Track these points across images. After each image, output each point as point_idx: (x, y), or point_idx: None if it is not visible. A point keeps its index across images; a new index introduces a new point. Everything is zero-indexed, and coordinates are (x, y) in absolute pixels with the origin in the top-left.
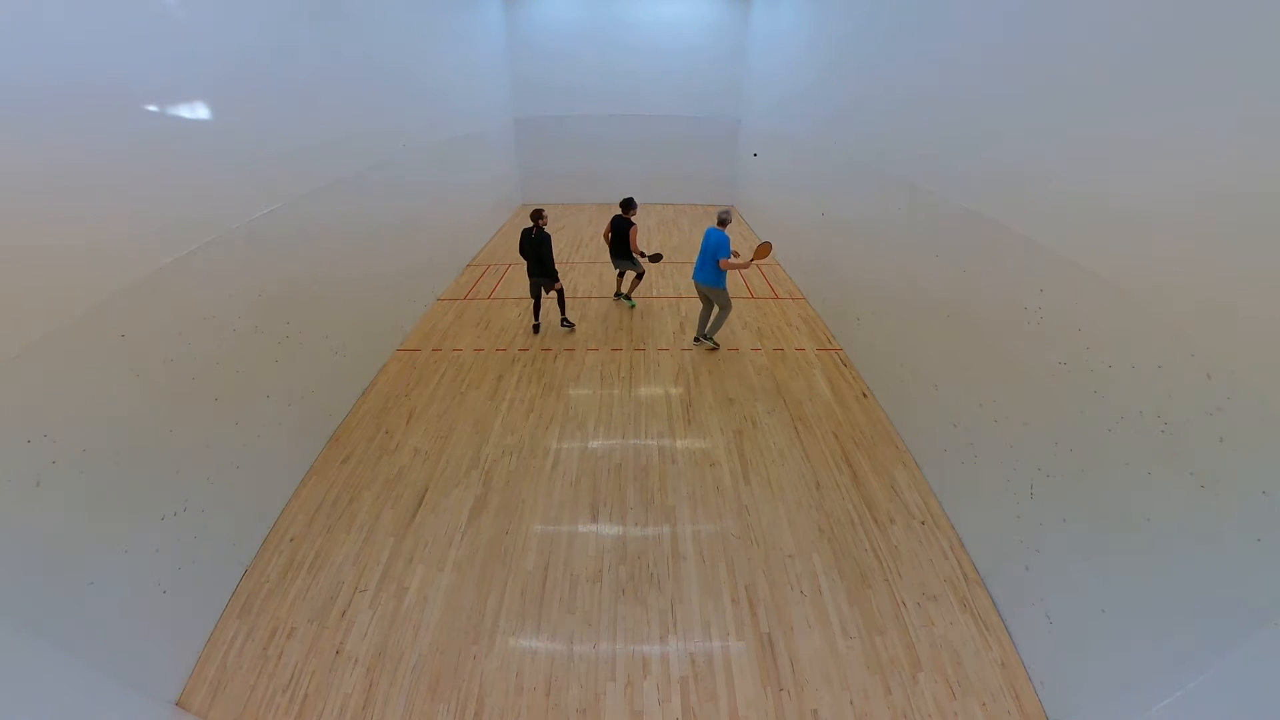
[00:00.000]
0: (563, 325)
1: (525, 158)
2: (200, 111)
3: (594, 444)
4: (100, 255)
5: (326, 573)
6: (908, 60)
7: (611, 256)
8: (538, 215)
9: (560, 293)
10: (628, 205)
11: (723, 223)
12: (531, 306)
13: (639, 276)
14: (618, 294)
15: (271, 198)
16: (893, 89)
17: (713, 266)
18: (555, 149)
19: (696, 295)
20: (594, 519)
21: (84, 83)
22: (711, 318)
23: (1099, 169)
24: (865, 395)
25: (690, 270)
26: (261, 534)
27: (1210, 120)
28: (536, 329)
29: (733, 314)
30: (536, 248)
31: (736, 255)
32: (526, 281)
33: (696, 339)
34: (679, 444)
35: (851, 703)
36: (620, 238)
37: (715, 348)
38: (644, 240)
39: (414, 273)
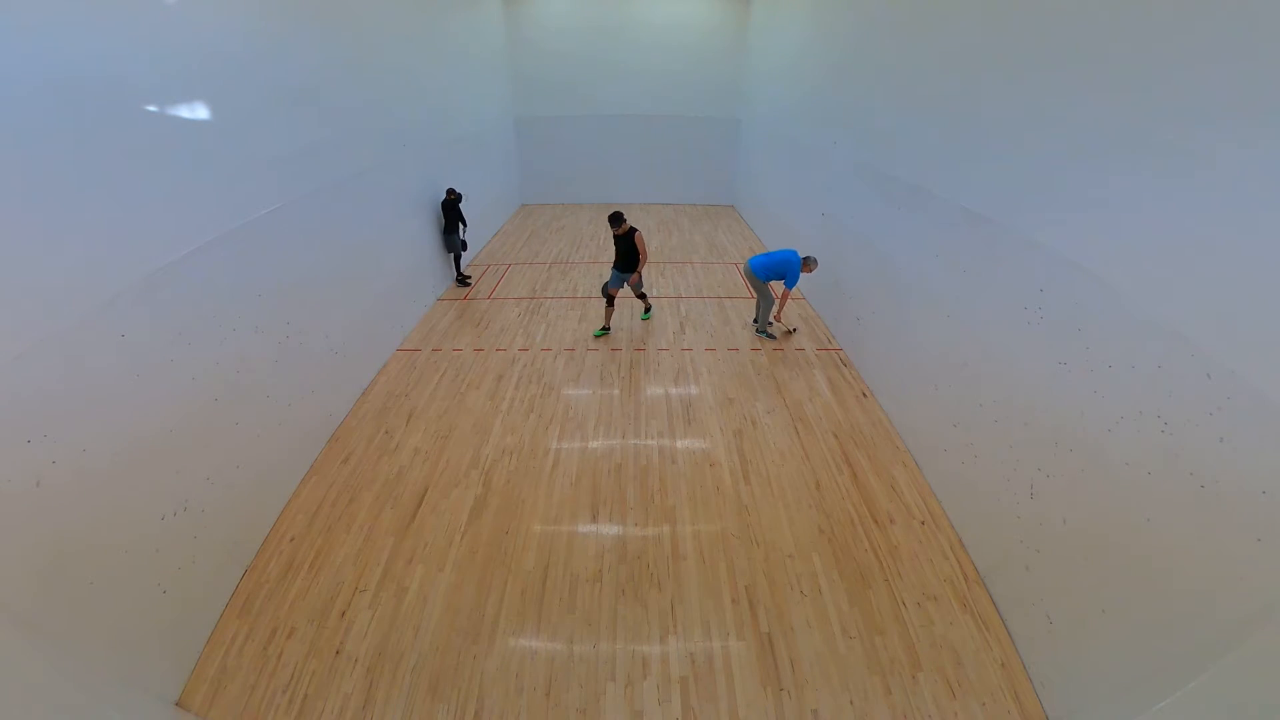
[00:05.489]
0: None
1: (525, 158)
2: (200, 111)
3: (594, 444)
4: (100, 255)
5: (326, 573)
6: (908, 60)
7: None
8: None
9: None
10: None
11: (806, 262)
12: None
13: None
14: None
15: (271, 198)
16: (893, 89)
17: (766, 266)
18: (555, 149)
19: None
20: (594, 519)
21: (84, 83)
22: (759, 310)
23: (1099, 169)
24: (865, 395)
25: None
26: (261, 534)
27: (1210, 119)
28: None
29: (733, 314)
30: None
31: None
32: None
33: (757, 331)
34: (679, 444)
35: (851, 703)
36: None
37: (771, 336)
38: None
39: (414, 272)
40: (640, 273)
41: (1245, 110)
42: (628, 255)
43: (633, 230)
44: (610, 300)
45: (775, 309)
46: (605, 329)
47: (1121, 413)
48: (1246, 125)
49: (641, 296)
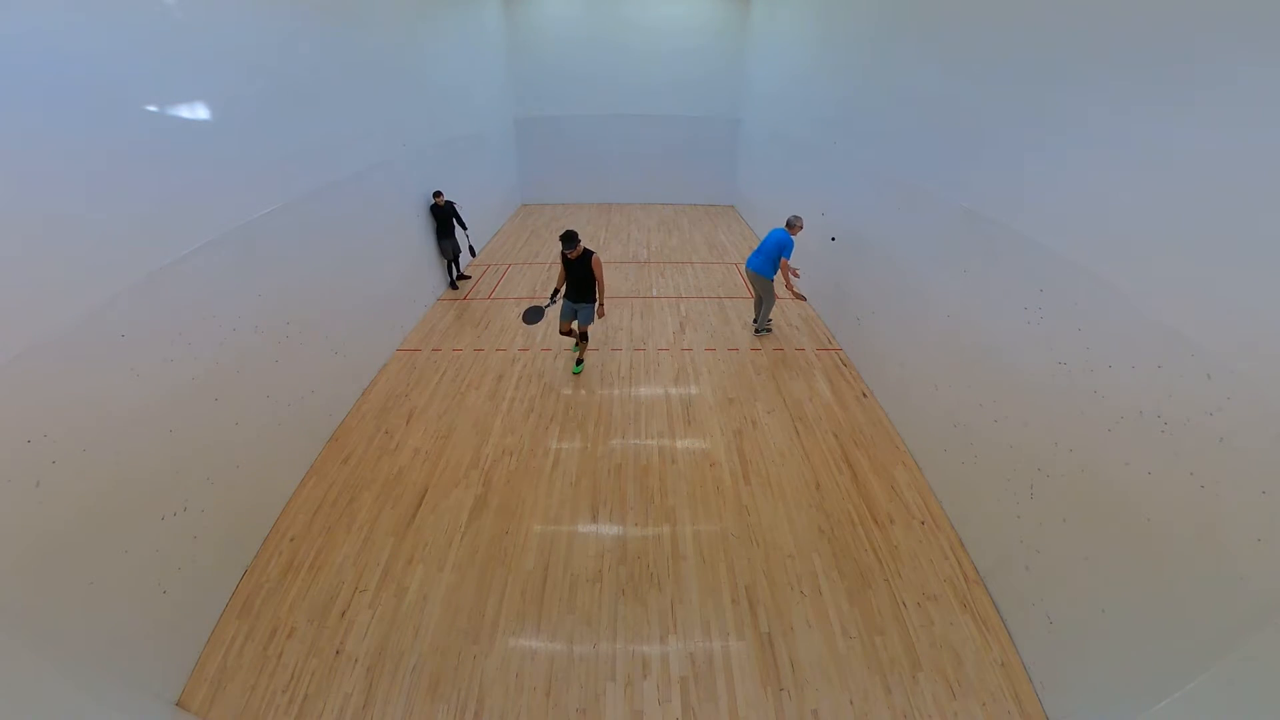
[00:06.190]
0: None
1: (525, 158)
2: (200, 111)
3: (594, 444)
4: (100, 255)
5: (326, 573)
6: (908, 60)
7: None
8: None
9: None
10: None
11: (790, 225)
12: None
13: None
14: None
15: (271, 198)
16: (893, 89)
17: (764, 259)
18: (555, 149)
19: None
20: (594, 519)
21: (84, 83)
22: (761, 308)
23: (1099, 169)
24: (865, 395)
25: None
26: (261, 534)
27: (1210, 119)
28: (454, 285)
29: (733, 314)
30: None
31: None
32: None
33: (756, 331)
34: (679, 444)
35: (851, 703)
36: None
37: (769, 332)
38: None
39: (414, 272)
40: (602, 306)
41: (1245, 110)
42: (581, 283)
43: (588, 253)
44: (569, 333)
45: (783, 286)
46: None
47: (1121, 413)
48: (1247, 125)
49: (583, 337)
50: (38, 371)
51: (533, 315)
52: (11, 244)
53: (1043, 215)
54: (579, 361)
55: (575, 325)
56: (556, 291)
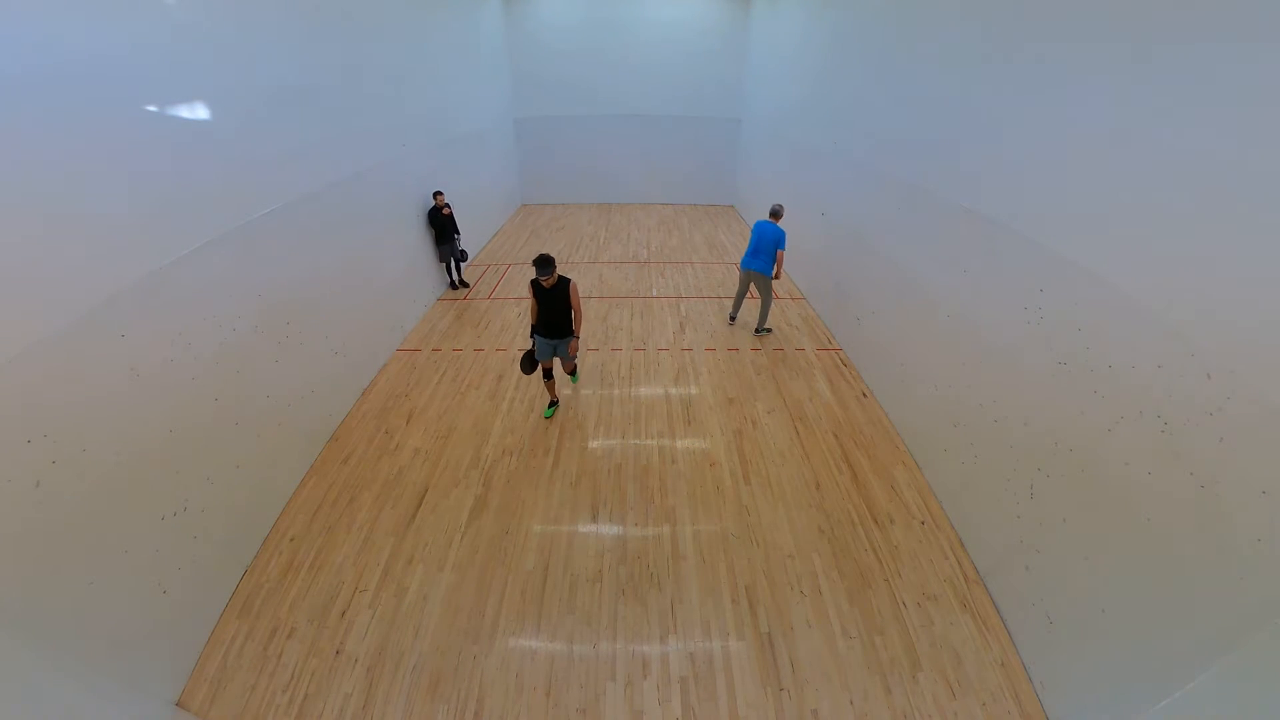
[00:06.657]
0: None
1: (525, 158)
2: (200, 111)
3: (594, 444)
4: (100, 255)
5: (326, 573)
6: (907, 60)
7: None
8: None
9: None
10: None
11: (776, 215)
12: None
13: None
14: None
15: (271, 198)
16: (893, 89)
17: (766, 257)
18: (555, 149)
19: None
20: (594, 519)
21: (84, 83)
22: (760, 309)
23: (1099, 169)
24: (865, 395)
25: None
26: (261, 534)
27: (1210, 120)
28: (454, 285)
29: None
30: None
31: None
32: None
33: (756, 331)
34: (679, 444)
35: (851, 703)
36: None
37: (769, 332)
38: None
39: (414, 272)
40: (579, 337)
41: (1246, 111)
42: (558, 316)
43: (565, 281)
44: (546, 373)
45: (774, 272)
46: (554, 403)
47: (1121, 413)
48: (1246, 125)
49: (571, 372)
50: (38, 371)
51: (529, 365)
52: (11, 244)
53: (1043, 215)
54: (573, 371)
55: (550, 363)
56: (535, 329)
